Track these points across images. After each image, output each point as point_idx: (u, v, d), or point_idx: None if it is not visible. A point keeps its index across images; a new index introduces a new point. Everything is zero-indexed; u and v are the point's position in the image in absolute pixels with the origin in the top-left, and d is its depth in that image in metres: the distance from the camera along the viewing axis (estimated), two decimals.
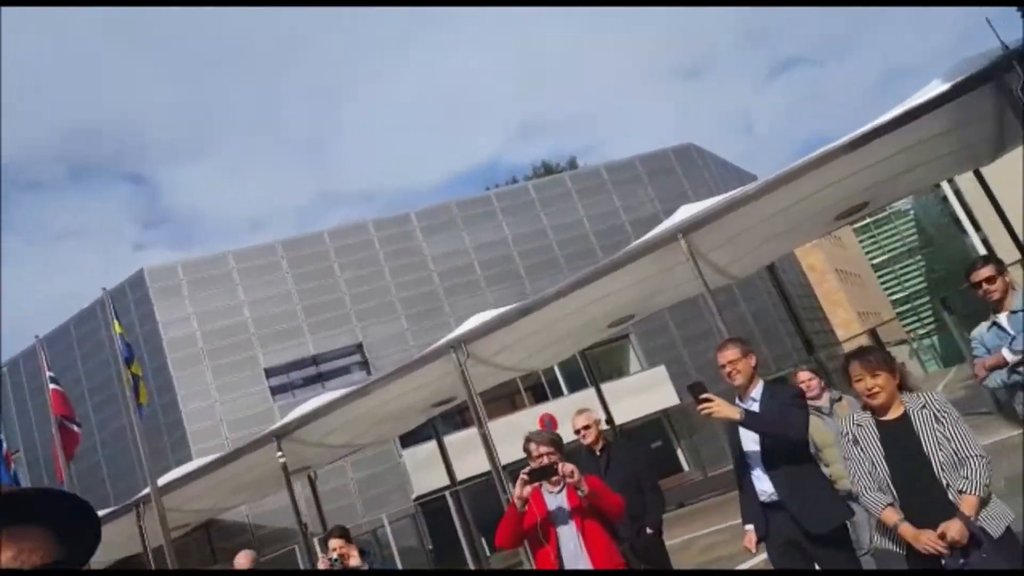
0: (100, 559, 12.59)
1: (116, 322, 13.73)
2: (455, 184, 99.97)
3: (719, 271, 9.81)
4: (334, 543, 3.99)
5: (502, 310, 10.14)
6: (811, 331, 24.61)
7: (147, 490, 9.98)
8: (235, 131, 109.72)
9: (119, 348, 13.48)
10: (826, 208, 8.86)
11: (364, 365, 20.34)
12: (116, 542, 11.85)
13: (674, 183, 24.25)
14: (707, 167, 26.06)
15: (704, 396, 2.93)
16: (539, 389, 21.20)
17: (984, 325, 3.43)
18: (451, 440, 16.30)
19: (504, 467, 9.45)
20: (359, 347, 20.67)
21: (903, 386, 2.59)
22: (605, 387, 16.10)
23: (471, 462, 14.78)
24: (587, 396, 14.56)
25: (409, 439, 18.02)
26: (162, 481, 10.53)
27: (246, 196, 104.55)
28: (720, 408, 2.92)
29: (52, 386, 13.09)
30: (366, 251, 21.78)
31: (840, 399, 4.15)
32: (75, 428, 12.77)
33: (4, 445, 14.42)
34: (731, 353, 3.12)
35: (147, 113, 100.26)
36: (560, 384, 21.34)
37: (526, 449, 3.11)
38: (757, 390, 3.08)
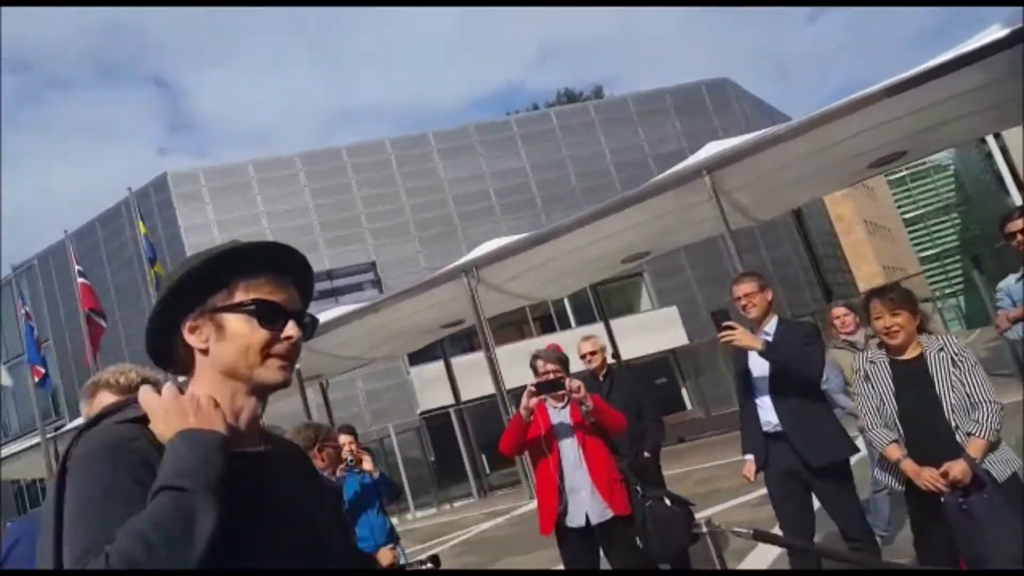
0: None
1: (140, 221, 13.92)
2: (475, 107, 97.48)
3: (742, 212, 9.60)
4: (344, 439, 3.71)
5: (515, 238, 10.07)
6: (832, 282, 24.29)
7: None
8: (258, 41, 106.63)
9: (143, 247, 13.72)
10: (861, 154, 8.53)
11: (377, 283, 20.56)
12: None
13: (703, 119, 23.37)
14: (740, 104, 25.02)
15: (727, 324, 2.91)
16: (547, 320, 21.39)
17: (1012, 277, 3.34)
18: (458, 362, 16.65)
19: (508, 391, 9.66)
20: (373, 265, 20.84)
21: (922, 328, 2.55)
22: (614, 323, 16.18)
23: (476, 384, 15.15)
24: (595, 330, 14.64)
25: (417, 358, 18.43)
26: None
27: (267, 106, 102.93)
28: (742, 337, 2.90)
29: (80, 280, 13.44)
30: (383, 170, 21.57)
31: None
32: (102, 321, 13.18)
33: (35, 331, 14.97)
34: (747, 286, 3.07)
35: (171, 16, 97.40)
36: (569, 316, 21.49)
37: (533, 366, 3.14)
38: (771, 325, 3.06)
